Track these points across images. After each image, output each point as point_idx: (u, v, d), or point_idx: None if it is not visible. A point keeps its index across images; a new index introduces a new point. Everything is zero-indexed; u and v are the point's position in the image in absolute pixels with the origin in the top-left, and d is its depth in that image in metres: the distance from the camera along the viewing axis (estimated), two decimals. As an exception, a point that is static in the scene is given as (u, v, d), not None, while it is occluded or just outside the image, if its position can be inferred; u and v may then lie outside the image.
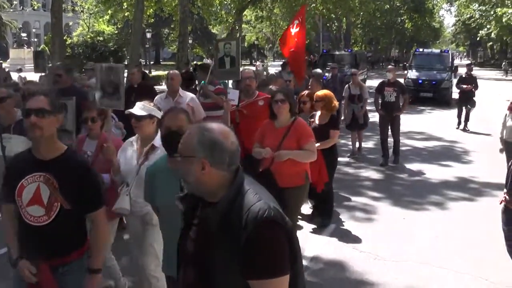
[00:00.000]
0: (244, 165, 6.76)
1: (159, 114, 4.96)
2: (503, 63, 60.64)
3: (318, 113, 8.32)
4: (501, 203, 5.35)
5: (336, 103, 8.33)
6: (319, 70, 14.82)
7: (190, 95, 8.56)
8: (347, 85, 13.87)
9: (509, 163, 4.80)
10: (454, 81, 23.37)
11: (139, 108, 5.06)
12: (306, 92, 9.11)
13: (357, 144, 13.80)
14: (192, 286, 2.68)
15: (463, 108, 18.24)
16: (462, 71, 34.58)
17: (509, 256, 7.00)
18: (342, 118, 13.12)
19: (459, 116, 18.56)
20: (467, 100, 18.00)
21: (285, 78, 12.95)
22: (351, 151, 13.68)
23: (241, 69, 8.43)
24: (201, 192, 2.64)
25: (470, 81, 18.19)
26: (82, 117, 5.81)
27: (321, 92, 8.46)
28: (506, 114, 10.03)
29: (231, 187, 2.57)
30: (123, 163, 5.10)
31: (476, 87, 18.08)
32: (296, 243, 2.64)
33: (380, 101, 12.91)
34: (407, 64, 30.17)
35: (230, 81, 11.93)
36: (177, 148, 2.70)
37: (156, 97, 8.44)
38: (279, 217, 2.52)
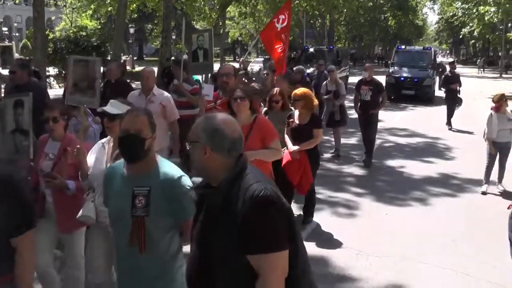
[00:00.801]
0: None
1: None
2: (478, 60, 61.39)
3: (297, 112, 7.92)
4: (509, 207, 5.08)
5: (316, 101, 8.10)
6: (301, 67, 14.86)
7: (164, 94, 8.13)
8: (324, 82, 13.83)
9: None
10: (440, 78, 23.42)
11: (112, 106, 4.67)
12: (277, 89, 8.54)
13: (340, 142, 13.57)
14: (197, 266, 2.82)
15: (451, 106, 18.08)
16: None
17: (490, 251, 7.09)
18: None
19: (448, 116, 18.24)
20: (454, 99, 17.91)
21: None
22: (334, 149, 13.40)
23: (221, 64, 8.07)
24: (205, 176, 2.87)
25: (455, 79, 18.07)
26: (43, 116, 5.14)
27: (300, 91, 8.00)
28: (490, 114, 9.98)
29: (231, 171, 2.75)
30: (92, 167, 4.64)
31: (459, 84, 18.10)
32: (294, 225, 2.74)
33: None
34: (389, 62, 30.06)
35: (207, 76, 11.81)
36: (134, 153, 3.17)
37: (130, 94, 8.01)
38: (275, 197, 2.67)
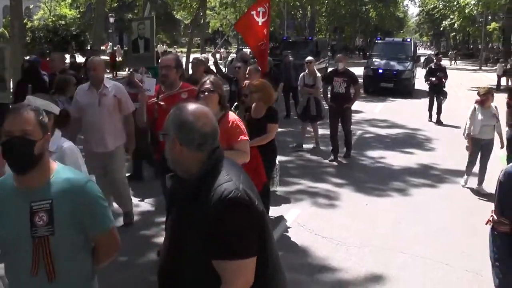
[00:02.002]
0: (162, 169, 5.59)
1: (56, 110, 4.17)
2: (450, 52, 62.01)
3: (254, 105, 7.37)
4: (487, 223, 4.50)
5: (274, 94, 7.60)
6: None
7: (117, 85, 7.31)
8: (302, 74, 13.23)
9: (499, 178, 4.20)
10: (422, 71, 23.31)
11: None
12: (247, 82, 8.07)
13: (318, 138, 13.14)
14: (167, 262, 2.72)
15: (435, 100, 17.56)
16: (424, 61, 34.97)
17: (468, 241, 7.14)
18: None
19: (430, 109, 17.86)
20: (438, 92, 17.42)
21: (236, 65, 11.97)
22: (297, 143, 13.02)
23: (167, 56, 6.95)
24: (177, 169, 2.71)
25: (439, 72, 17.54)
26: None
27: (257, 82, 7.49)
28: (474, 108, 9.59)
29: (202, 166, 2.62)
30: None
31: (445, 77, 17.73)
32: (266, 228, 2.64)
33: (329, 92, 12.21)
34: (368, 53, 29.39)
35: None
36: (23, 161, 2.70)
37: (78, 88, 7.28)
38: (246, 200, 2.52)
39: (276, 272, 2.76)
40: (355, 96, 12.09)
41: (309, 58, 13.51)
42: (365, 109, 20.28)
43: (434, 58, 20.00)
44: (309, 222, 7.86)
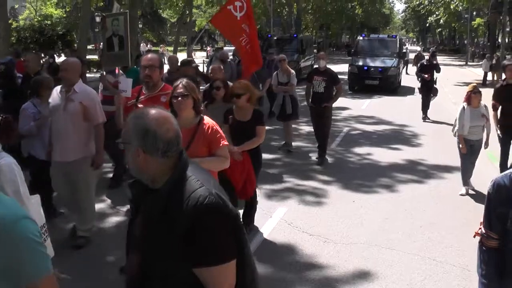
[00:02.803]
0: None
1: None
2: (431, 48, 62.26)
3: (237, 107, 7.01)
4: (475, 236, 4.24)
5: (258, 93, 7.31)
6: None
7: (87, 91, 6.65)
8: (275, 72, 12.83)
9: (488, 189, 3.88)
10: (412, 68, 23.21)
11: None
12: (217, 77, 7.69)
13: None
14: (137, 273, 2.61)
15: (426, 97, 17.30)
16: (412, 56, 35.10)
17: (455, 237, 7.17)
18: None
19: (423, 107, 17.44)
20: (429, 89, 17.14)
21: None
22: (280, 146, 12.68)
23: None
24: (143, 178, 2.59)
25: (430, 68, 17.19)
26: None
27: (242, 83, 7.12)
28: (463, 107, 9.11)
29: (172, 173, 2.54)
30: None
31: (438, 69, 17.40)
32: (241, 231, 2.60)
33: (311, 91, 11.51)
34: (352, 50, 28.80)
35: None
36: None
37: (54, 88, 6.83)
38: (221, 204, 2.48)
39: (254, 274, 2.73)
40: (335, 95, 11.45)
41: (281, 55, 13.24)
42: (352, 106, 20.33)
43: (423, 54, 19.64)
44: (296, 220, 7.84)
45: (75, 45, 29.58)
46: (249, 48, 10.70)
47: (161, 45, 54.51)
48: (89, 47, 41.77)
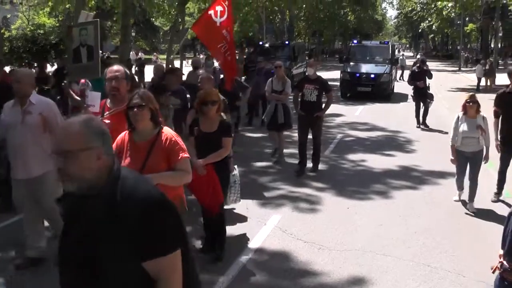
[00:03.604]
0: None
1: None
2: (419, 53, 62.47)
3: (203, 117, 6.65)
4: (494, 271, 3.86)
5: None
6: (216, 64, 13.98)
7: (45, 101, 6.31)
8: (269, 80, 12.23)
9: (508, 216, 3.61)
10: (403, 73, 23.09)
11: None
12: (211, 89, 7.29)
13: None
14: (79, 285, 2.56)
15: (421, 104, 16.99)
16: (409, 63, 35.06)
17: (450, 242, 7.18)
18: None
19: (417, 114, 17.19)
20: (423, 95, 16.81)
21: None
22: (272, 152, 12.40)
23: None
24: (89, 185, 2.50)
25: (422, 75, 17.04)
26: None
27: (215, 92, 6.83)
28: (458, 117, 8.67)
29: (110, 174, 2.54)
30: None
31: (430, 75, 17.28)
32: (183, 223, 2.71)
33: (300, 100, 11.03)
34: (344, 57, 28.42)
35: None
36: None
37: (5, 105, 6.40)
38: (164, 197, 2.61)
39: (194, 265, 2.82)
40: (327, 104, 11.10)
41: (278, 62, 12.70)
42: (345, 112, 20.37)
43: (425, 59, 19.15)
44: (290, 227, 7.83)
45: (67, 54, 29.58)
46: (228, 56, 10.28)
47: (154, 53, 54.56)
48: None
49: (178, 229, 2.62)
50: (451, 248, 7.00)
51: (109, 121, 5.25)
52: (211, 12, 10.19)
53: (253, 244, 7.17)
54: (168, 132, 4.73)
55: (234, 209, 8.46)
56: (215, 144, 6.48)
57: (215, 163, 6.41)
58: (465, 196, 8.86)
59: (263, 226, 7.89)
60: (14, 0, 54.75)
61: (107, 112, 5.52)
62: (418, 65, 17.90)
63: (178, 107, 8.98)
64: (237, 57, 17.42)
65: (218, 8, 10.09)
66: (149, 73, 21.55)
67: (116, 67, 5.66)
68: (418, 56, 36.84)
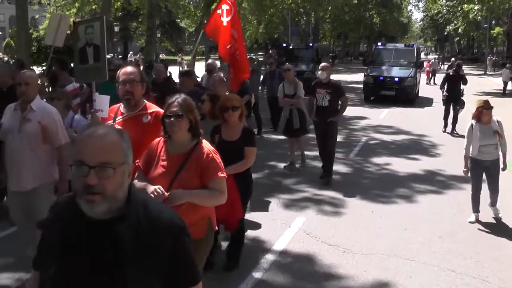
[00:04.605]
0: None
1: None
2: (436, 56, 61.83)
3: (225, 124, 6.25)
4: None
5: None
6: (215, 62, 13.60)
7: (47, 109, 5.83)
8: (281, 84, 11.66)
9: None
10: (423, 76, 22.77)
11: None
12: (229, 94, 6.92)
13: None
14: None
15: (451, 109, 16.57)
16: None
17: (475, 248, 7.14)
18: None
19: (445, 118, 16.82)
20: (454, 101, 16.40)
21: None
22: (288, 162, 11.71)
23: (130, 68, 4.77)
24: (119, 206, 2.26)
25: (457, 80, 16.50)
26: None
27: (236, 97, 6.33)
28: (471, 126, 8.36)
29: (131, 195, 2.31)
30: None
31: (465, 81, 16.78)
32: None
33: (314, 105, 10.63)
34: (367, 60, 27.90)
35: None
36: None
37: (7, 107, 5.97)
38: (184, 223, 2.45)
39: None
40: (341, 109, 10.62)
41: (287, 65, 12.11)
42: (369, 115, 20.29)
43: (461, 64, 18.27)
44: (315, 230, 7.85)
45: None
46: (237, 55, 9.86)
47: (179, 55, 54.84)
48: (108, 56, 42.15)
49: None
50: (476, 254, 6.97)
51: (120, 127, 4.50)
52: (219, 11, 9.86)
53: (277, 246, 7.20)
54: (207, 146, 4.30)
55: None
56: (237, 154, 6.02)
57: (235, 175, 5.91)
58: (482, 217, 8.40)
59: (287, 228, 7.92)
60: (42, 1, 55.46)
61: (120, 117, 5.08)
62: (454, 68, 17.17)
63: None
64: (261, 59, 17.28)
65: (224, 7, 9.77)
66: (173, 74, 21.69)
67: (129, 68, 5.16)
68: (453, 59, 35.97)
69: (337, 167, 11.60)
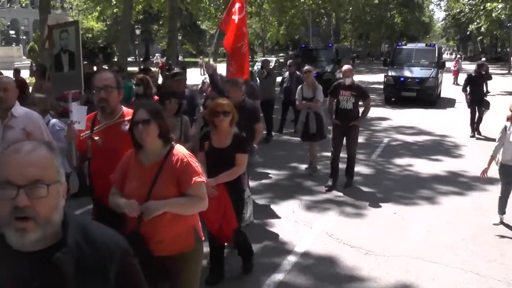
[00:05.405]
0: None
1: None
2: (459, 56, 60.93)
3: (216, 131, 5.94)
4: None
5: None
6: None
7: (30, 115, 5.55)
8: (299, 87, 11.36)
9: None
10: (447, 76, 22.20)
11: None
12: (221, 99, 6.16)
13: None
14: None
15: (476, 111, 15.85)
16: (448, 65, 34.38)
17: (499, 250, 7.05)
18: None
19: (472, 122, 15.99)
20: (479, 102, 15.74)
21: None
22: (311, 167, 11.37)
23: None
24: (54, 231, 1.97)
25: (480, 81, 15.91)
26: None
27: (226, 101, 5.95)
28: (505, 127, 7.89)
29: (66, 218, 2.02)
30: None
31: (489, 77, 16.44)
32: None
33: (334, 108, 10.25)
34: (388, 60, 27.42)
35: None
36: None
37: None
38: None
39: None
40: (364, 113, 10.31)
41: (307, 67, 11.61)
42: (391, 116, 20.19)
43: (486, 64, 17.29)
44: (337, 231, 7.82)
45: (115, 57, 30.14)
46: (243, 55, 9.82)
47: (200, 57, 55.03)
48: (129, 59, 42.42)
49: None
50: (500, 256, 6.89)
51: (98, 138, 4.62)
52: (234, 9, 9.78)
53: (299, 247, 7.19)
54: (180, 151, 3.99)
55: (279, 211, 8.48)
56: (228, 161, 5.77)
57: (227, 183, 5.70)
58: (507, 219, 8.23)
59: (309, 229, 7.91)
60: (65, 5, 56.05)
61: (97, 127, 4.73)
62: (476, 69, 16.36)
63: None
64: (281, 60, 17.17)
65: (237, 5, 9.69)
66: (190, 76, 21.79)
67: (105, 74, 4.86)
68: (483, 59, 35.09)
69: (359, 168, 11.55)
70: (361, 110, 10.32)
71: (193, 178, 3.88)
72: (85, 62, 12.64)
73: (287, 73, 15.95)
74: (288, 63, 17.88)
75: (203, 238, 4.26)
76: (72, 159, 4.78)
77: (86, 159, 4.76)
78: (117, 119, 4.67)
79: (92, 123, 4.75)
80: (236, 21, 9.60)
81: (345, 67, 10.36)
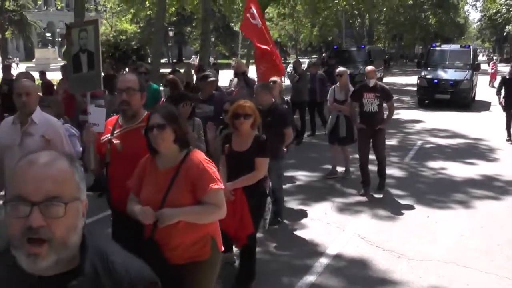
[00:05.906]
0: (118, 233, 4.49)
1: None
2: (495, 57, 59.67)
3: (237, 134, 5.87)
4: None
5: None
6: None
7: (50, 121, 5.40)
8: (332, 88, 11.24)
9: None
10: (482, 78, 21.53)
11: None
12: (243, 100, 5.90)
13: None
14: None
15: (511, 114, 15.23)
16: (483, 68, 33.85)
17: (535, 256, 6.93)
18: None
19: (508, 126, 15.40)
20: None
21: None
22: (329, 170, 11.21)
23: (129, 75, 4.30)
24: (71, 256, 1.78)
25: None
26: None
27: (249, 103, 5.75)
28: None
29: (85, 242, 1.83)
30: None
31: None
32: None
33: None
34: (421, 62, 26.92)
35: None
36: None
37: (2, 122, 5.53)
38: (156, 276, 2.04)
39: None
40: (389, 115, 10.03)
41: (341, 69, 11.31)
42: (424, 119, 20.00)
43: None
44: (369, 234, 7.80)
45: (149, 59, 30.40)
46: (275, 58, 10.02)
47: (233, 58, 55.26)
48: (162, 61, 42.82)
49: None
50: (536, 262, 6.80)
51: (118, 141, 4.50)
52: (248, 14, 9.83)
53: (331, 250, 7.19)
54: (197, 157, 3.88)
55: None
56: (248, 165, 5.65)
57: (245, 188, 5.60)
58: None
59: (341, 232, 7.90)
60: (99, 8, 56.83)
61: (118, 130, 4.60)
62: (510, 71, 15.85)
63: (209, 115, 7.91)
64: (314, 61, 17.22)
65: (253, 10, 9.70)
66: (223, 77, 21.91)
67: (128, 76, 4.78)
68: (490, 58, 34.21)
69: (392, 171, 11.50)
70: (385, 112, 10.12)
71: (210, 185, 3.76)
72: (107, 61, 12.65)
73: (309, 74, 15.74)
74: (307, 64, 17.84)
75: (222, 249, 4.17)
76: (90, 162, 4.71)
77: (105, 164, 4.64)
78: (138, 123, 4.51)
79: (113, 127, 4.65)
80: (259, 26, 9.70)
81: (369, 67, 10.11)
